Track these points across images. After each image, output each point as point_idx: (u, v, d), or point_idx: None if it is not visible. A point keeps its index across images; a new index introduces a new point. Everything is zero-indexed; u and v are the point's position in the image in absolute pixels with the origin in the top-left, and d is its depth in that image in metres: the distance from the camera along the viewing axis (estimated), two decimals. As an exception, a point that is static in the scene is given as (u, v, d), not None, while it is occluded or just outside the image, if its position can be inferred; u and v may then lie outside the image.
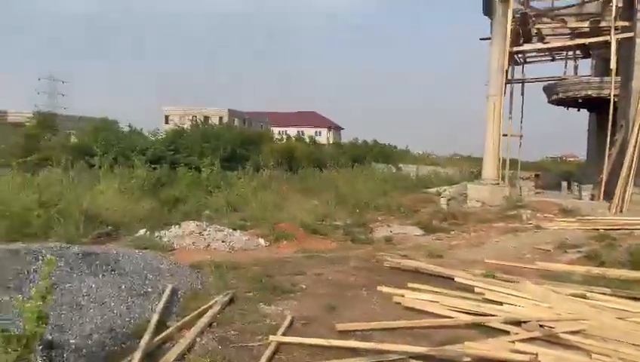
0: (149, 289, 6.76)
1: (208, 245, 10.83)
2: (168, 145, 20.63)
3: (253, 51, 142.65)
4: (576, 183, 19.41)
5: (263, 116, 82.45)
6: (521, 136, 20.30)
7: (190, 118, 73.53)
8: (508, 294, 6.41)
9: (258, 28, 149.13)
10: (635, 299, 6.60)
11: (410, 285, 7.08)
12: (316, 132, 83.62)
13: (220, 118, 64.05)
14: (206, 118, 70.76)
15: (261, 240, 11.13)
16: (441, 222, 13.41)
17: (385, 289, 7.19)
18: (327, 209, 15.33)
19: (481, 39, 20.32)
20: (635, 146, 14.75)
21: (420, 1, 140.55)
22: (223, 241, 10.94)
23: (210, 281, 7.76)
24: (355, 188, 18.36)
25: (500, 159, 16.89)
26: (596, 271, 8.26)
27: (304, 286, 7.62)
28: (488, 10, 21.15)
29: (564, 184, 20.37)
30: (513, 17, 16.32)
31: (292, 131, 72.59)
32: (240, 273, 8.36)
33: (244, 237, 11.12)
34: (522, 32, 17.32)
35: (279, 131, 62.15)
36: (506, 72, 16.76)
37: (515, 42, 16.98)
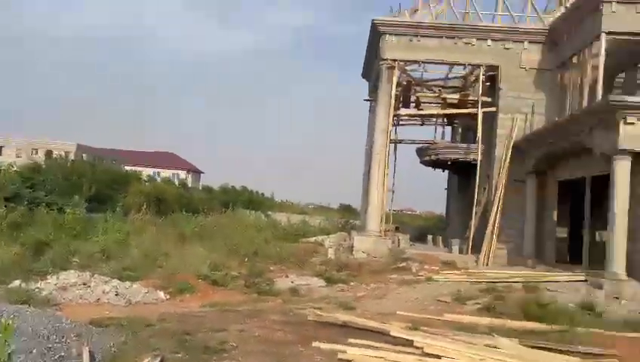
0: (63, 354, 5.73)
1: (98, 299, 9.58)
2: (24, 182, 18.07)
3: (108, 86, 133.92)
4: (440, 237, 21.34)
5: (115, 153, 76.99)
6: (393, 192, 21.77)
7: (32, 151, 65.74)
8: (446, 348, 6.66)
9: (113, 63, 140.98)
10: (545, 349, 7.32)
11: (350, 341, 6.98)
12: (173, 174, 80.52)
13: (66, 153, 58.36)
14: (49, 151, 63.97)
15: (161, 293, 10.16)
16: (337, 273, 13.60)
17: (322, 345, 6.98)
18: (218, 258, 14.64)
19: (365, 100, 21.94)
20: (497, 207, 16.81)
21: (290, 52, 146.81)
22: (116, 294, 9.76)
23: (125, 341, 6.85)
24: (242, 236, 17.90)
25: (382, 213, 17.91)
26: (497, 322, 9.02)
27: (234, 344, 7.08)
28: (367, 74, 22.96)
29: (430, 237, 22.22)
30: (399, 84, 17.93)
31: (148, 172, 68.73)
32: (154, 331, 7.51)
33: (142, 290, 10.04)
34: (403, 97, 19.05)
35: (131, 171, 58.32)
36: (389, 132, 18.11)
37: (395, 106, 18.49)
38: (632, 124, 11.27)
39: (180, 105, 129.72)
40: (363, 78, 23.99)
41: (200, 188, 47.33)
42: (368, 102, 22.60)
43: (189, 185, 58.66)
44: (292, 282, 12.35)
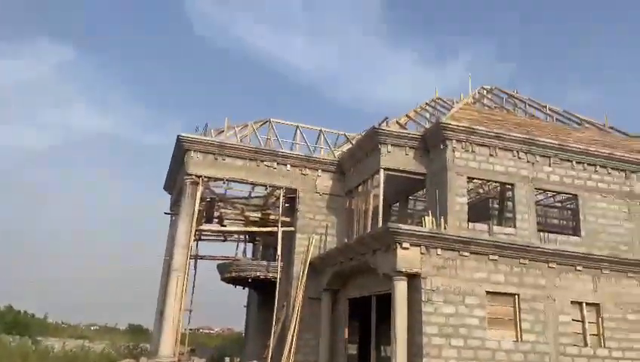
0: None
1: None
2: None
3: None
4: (238, 359, 20.55)
5: None
6: (191, 311, 20.62)
7: None
8: None
9: None
10: None
11: None
12: None
13: None
14: None
15: None
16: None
17: None
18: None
19: (165, 213, 21.15)
20: (295, 325, 17.04)
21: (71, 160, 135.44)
22: None
23: None
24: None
25: (178, 335, 16.62)
26: None
27: None
28: (170, 187, 22.51)
29: (227, 359, 21.24)
30: (203, 200, 17.82)
31: None
32: None
33: None
34: (206, 213, 18.92)
35: None
36: (190, 248, 17.55)
37: (198, 221, 18.22)
38: (407, 248, 12.92)
39: None
40: (165, 190, 23.38)
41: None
42: (169, 215, 21.87)
43: None
44: None
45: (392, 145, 16.27)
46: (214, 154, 18.21)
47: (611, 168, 16.59)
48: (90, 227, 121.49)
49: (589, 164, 16.44)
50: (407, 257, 12.88)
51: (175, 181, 20.66)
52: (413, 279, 13.02)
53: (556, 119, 19.93)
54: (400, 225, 13.69)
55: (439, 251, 13.18)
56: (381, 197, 15.85)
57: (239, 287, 23.07)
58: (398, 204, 20.30)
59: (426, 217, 14.08)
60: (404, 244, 12.87)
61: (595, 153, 16.48)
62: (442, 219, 14.28)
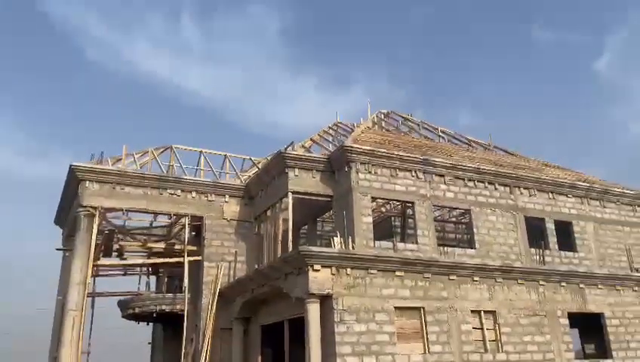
0: None
1: None
2: None
3: None
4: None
5: None
6: (89, 353, 19.07)
7: None
8: None
9: None
10: None
11: None
12: None
13: None
14: None
15: None
16: None
17: None
18: None
19: (57, 249, 19.47)
20: (205, 358, 16.34)
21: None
22: None
23: None
24: None
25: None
26: None
27: None
28: (61, 220, 20.83)
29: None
30: (100, 233, 16.63)
31: None
32: None
33: None
34: (105, 246, 17.68)
35: None
36: (87, 285, 16.28)
37: (95, 256, 17.01)
38: (318, 270, 13.03)
39: None
40: (56, 224, 21.57)
41: None
42: (62, 251, 20.15)
43: None
44: None
45: (298, 168, 16.42)
46: (112, 183, 17.19)
47: (498, 184, 18.06)
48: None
49: (479, 181, 17.78)
50: (319, 279, 12.99)
51: (68, 214, 19.15)
52: (325, 300, 13.12)
53: (448, 140, 21.45)
54: (311, 247, 13.79)
55: (349, 271, 13.44)
56: (290, 221, 15.87)
57: (143, 324, 21.73)
58: (306, 226, 20.48)
59: (335, 238, 14.31)
60: (316, 266, 12.97)
61: (484, 171, 17.89)
62: (350, 239, 14.60)
